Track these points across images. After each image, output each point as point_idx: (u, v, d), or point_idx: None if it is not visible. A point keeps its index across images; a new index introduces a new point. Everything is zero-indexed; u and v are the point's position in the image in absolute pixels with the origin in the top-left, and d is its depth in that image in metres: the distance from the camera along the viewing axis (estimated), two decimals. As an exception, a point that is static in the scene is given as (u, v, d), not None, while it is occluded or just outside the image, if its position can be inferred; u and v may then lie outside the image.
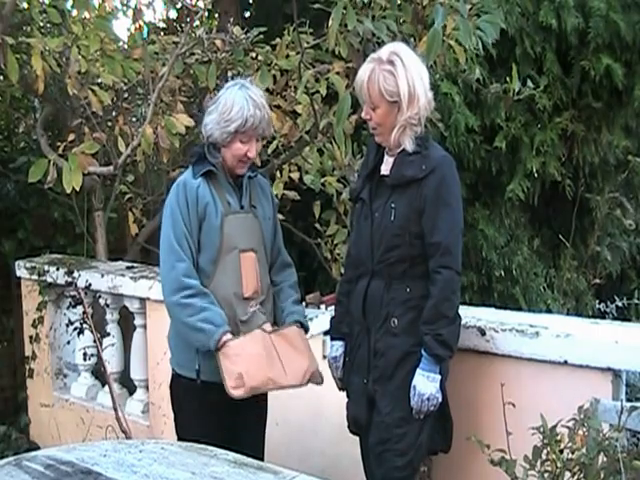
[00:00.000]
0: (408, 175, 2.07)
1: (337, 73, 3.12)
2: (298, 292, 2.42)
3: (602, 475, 1.51)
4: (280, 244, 2.41)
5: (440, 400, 2.07)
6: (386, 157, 2.19)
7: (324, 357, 3.14)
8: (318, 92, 3.33)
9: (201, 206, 2.18)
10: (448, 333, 2.05)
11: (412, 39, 3.14)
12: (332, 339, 2.35)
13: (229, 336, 2.11)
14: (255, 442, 2.29)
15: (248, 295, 2.22)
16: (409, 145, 2.08)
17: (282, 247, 2.42)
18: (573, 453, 1.55)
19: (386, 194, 2.12)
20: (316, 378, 2.27)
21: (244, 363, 2.09)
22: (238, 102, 2.17)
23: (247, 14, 6.37)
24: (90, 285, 3.32)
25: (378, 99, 2.06)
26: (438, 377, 2.05)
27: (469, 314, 2.43)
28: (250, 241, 2.25)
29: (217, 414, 2.20)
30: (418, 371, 2.05)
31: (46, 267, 3.60)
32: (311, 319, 3.08)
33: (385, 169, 2.17)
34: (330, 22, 2.83)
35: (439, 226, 2.04)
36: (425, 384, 2.04)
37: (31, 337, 3.73)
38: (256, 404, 2.28)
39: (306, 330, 2.35)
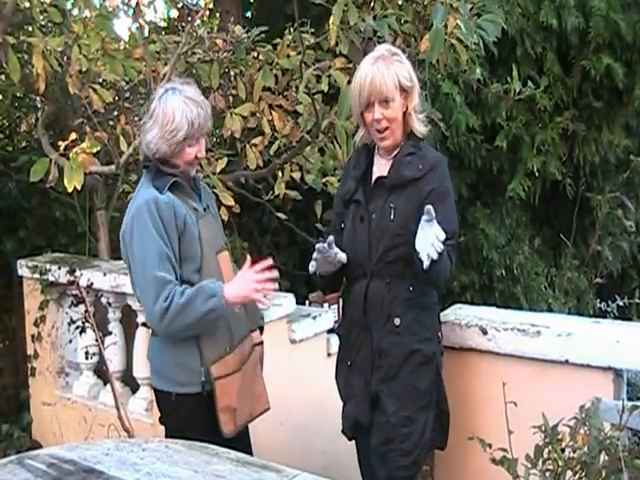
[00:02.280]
0: (407, 175, 2.11)
1: (338, 69, 3.12)
2: None
3: (603, 474, 1.51)
4: (225, 237, 2.43)
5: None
6: (377, 158, 2.21)
7: (328, 355, 3.16)
8: (319, 92, 3.33)
9: (180, 220, 2.10)
10: (444, 265, 1.98)
11: (413, 39, 3.15)
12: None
13: (228, 290, 2.06)
14: (242, 436, 2.27)
15: None
16: (422, 128, 2.16)
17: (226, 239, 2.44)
18: (574, 452, 1.55)
19: (383, 195, 2.14)
20: None
21: (240, 402, 2.16)
22: (178, 108, 2.09)
23: (248, 13, 6.38)
24: (92, 284, 3.32)
25: (393, 90, 2.09)
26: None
27: (470, 313, 2.44)
28: (220, 240, 2.27)
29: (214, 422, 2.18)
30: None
31: (48, 266, 3.60)
32: (315, 317, 3.11)
33: (377, 171, 2.19)
34: (331, 19, 2.84)
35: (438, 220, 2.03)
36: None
37: (33, 336, 3.74)
38: None
39: (262, 332, 2.41)
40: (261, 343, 2.37)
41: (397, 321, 2.10)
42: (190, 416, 2.17)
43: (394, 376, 2.10)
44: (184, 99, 2.11)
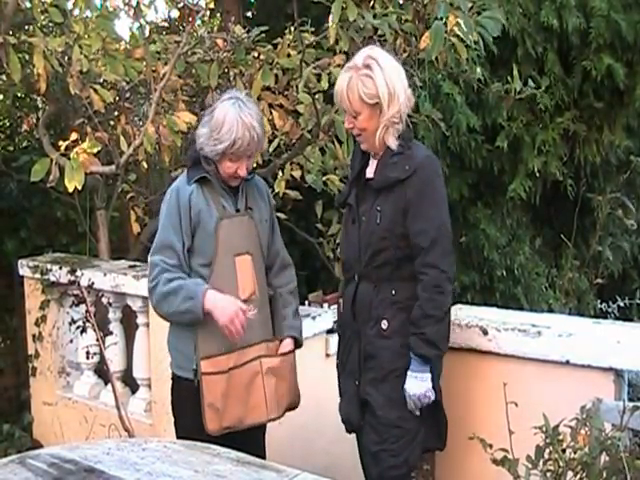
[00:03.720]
0: (392, 177, 2.08)
1: (338, 66, 3.12)
2: (297, 298, 2.42)
3: (604, 474, 1.51)
4: (279, 245, 2.40)
5: (433, 398, 2.08)
6: (371, 160, 2.20)
7: (327, 355, 3.16)
8: (320, 91, 3.33)
9: (194, 213, 2.17)
10: (433, 332, 2.04)
11: (414, 38, 3.15)
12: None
13: (210, 296, 2.10)
14: (256, 441, 2.29)
15: (245, 297, 2.21)
16: (393, 143, 2.09)
17: (281, 248, 2.41)
18: (575, 452, 1.55)
19: (372, 198, 2.13)
20: (294, 404, 2.33)
21: (226, 404, 2.15)
22: (229, 121, 2.13)
23: (249, 13, 6.39)
24: (93, 284, 3.33)
25: (359, 105, 2.07)
26: (428, 376, 2.06)
27: (471, 314, 2.44)
28: (246, 244, 2.24)
29: None
30: (408, 372, 2.07)
31: (49, 266, 3.61)
32: (314, 318, 3.10)
33: (370, 172, 2.18)
34: (330, 17, 2.84)
35: (423, 226, 2.05)
36: (415, 384, 2.06)
37: (34, 336, 3.74)
38: None
39: (299, 346, 2.36)
40: (285, 354, 2.29)
41: (385, 324, 2.09)
42: (187, 399, 2.22)
43: (383, 379, 2.11)
44: (238, 116, 2.14)
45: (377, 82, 2.04)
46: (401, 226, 2.07)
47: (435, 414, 2.15)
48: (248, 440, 2.16)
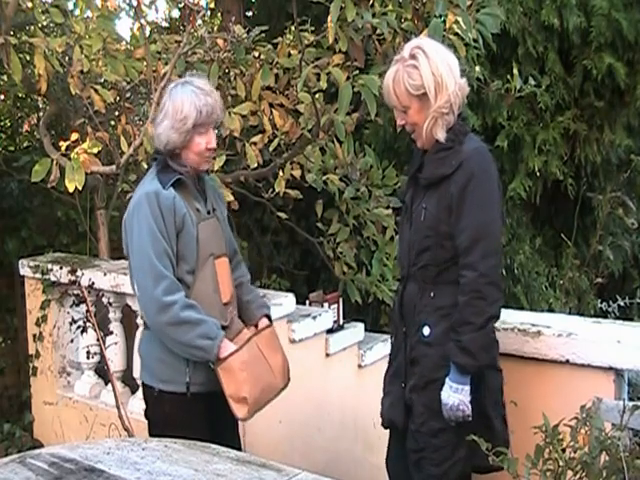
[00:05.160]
0: (438, 173, 2.00)
1: (337, 65, 3.11)
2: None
3: (604, 474, 1.51)
4: (234, 242, 2.41)
5: (468, 413, 1.95)
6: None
7: (327, 355, 3.16)
8: (320, 90, 3.33)
9: (179, 217, 2.11)
10: (469, 340, 1.91)
11: (412, 36, 3.15)
12: None
13: (226, 344, 2.11)
14: (232, 437, 2.27)
15: (226, 300, 2.21)
16: (442, 136, 2.00)
17: (236, 245, 2.43)
18: (575, 452, 1.55)
19: (421, 195, 2.07)
20: (289, 374, 2.33)
21: (247, 385, 2.11)
22: (187, 98, 2.14)
23: (249, 13, 6.39)
24: (93, 284, 3.33)
25: (406, 98, 2.00)
26: (465, 388, 1.94)
27: (471, 313, 2.43)
28: (221, 246, 2.25)
29: (203, 421, 2.19)
30: (446, 380, 1.97)
31: (49, 266, 3.61)
32: (314, 318, 3.11)
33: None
34: (329, 17, 2.84)
35: (464, 224, 1.94)
36: (448, 394, 1.95)
37: (35, 335, 3.74)
38: None
39: (271, 321, 2.40)
40: (266, 327, 2.32)
41: (426, 330, 2.01)
42: (170, 414, 2.16)
43: (423, 387, 2.03)
44: (193, 89, 2.16)
45: (422, 72, 1.96)
46: (445, 224, 1.97)
47: (488, 431, 1.93)
48: (227, 438, 2.12)
